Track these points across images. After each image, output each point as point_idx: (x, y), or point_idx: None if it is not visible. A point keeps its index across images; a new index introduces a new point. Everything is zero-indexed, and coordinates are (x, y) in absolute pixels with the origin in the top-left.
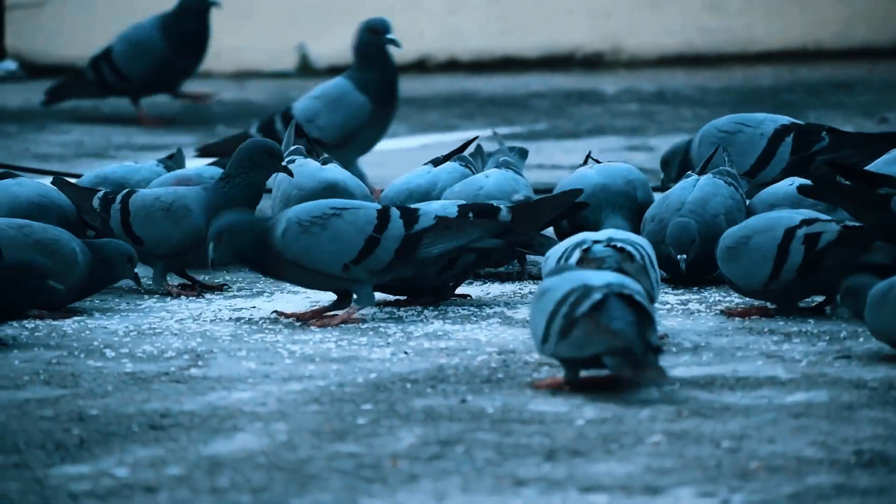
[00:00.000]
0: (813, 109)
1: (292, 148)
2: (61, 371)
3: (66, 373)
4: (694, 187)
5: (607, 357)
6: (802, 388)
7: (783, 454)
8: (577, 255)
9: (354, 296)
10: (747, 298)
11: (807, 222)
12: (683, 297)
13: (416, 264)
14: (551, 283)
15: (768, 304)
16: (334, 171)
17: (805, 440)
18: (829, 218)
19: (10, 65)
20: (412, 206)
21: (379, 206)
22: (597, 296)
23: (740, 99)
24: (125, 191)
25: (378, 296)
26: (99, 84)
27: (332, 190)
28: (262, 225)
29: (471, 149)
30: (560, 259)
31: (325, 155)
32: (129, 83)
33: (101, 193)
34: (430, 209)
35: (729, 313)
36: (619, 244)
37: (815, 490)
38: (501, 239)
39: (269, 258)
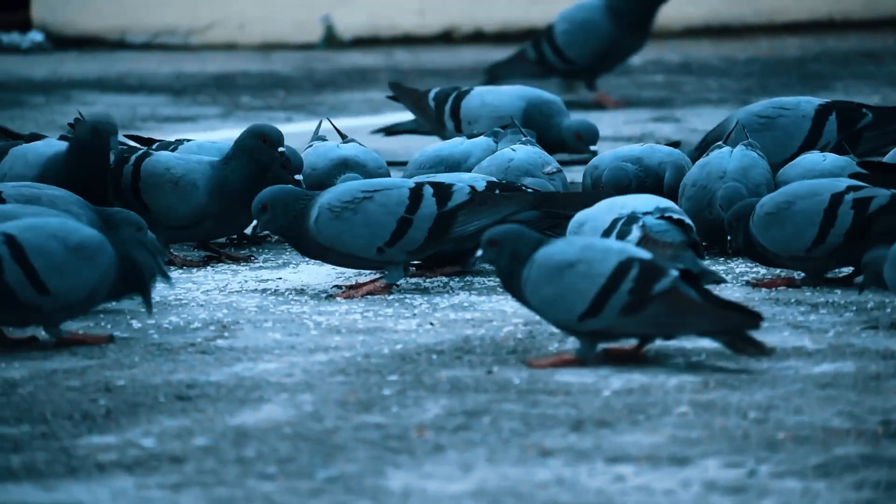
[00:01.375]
0: (840, 80)
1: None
2: None
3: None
4: (730, 157)
5: (716, 336)
6: (829, 359)
7: (810, 425)
8: (636, 233)
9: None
10: (775, 270)
11: (853, 188)
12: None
13: (452, 242)
14: (573, 253)
15: (795, 274)
16: (348, 149)
17: (832, 410)
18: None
19: (37, 36)
20: (446, 181)
21: (412, 185)
22: (674, 272)
23: (767, 70)
24: (139, 152)
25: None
26: (540, 64)
27: (343, 165)
28: (301, 204)
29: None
30: (608, 233)
31: (348, 138)
32: (572, 64)
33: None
34: (463, 183)
35: (756, 284)
36: (673, 214)
37: (843, 460)
38: (537, 211)
39: (304, 239)
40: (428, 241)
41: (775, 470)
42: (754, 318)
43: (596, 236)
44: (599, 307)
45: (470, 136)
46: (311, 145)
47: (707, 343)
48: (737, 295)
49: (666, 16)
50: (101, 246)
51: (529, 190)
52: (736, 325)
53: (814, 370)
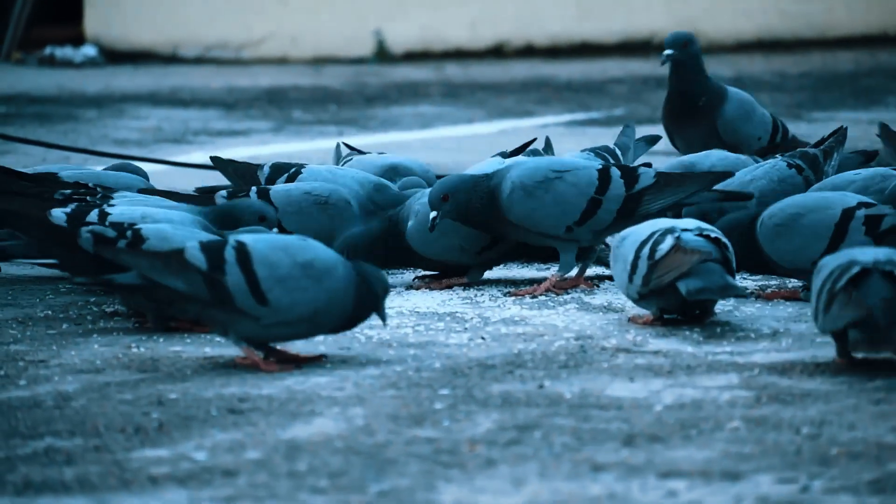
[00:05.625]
0: (893, 95)
1: (346, 152)
2: (141, 355)
3: (146, 357)
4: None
5: (851, 330)
6: (882, 374)
7: (864, 440)
8: (669, 241)
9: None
10: (774, 279)
11: (864, 205)
12: (762, 283)
13: (636, 221)
14: (827, 260)
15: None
16: (390, 156)
17: (886, 426)
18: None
19: (90, 50)
20: (630, 164)
21: (599, 166)
22: (855, 269)
23: (819, 85)
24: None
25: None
26: None
27: (392, 171)
28: (485, 184)
29: (540, 143)
30: (645, 243)
31: (383, 153)
32: None
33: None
34: (647, 170)
35: (759, 295)
36: (711, 234)
37: None
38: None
39: (492, 217)
40: (616, 221)
41: (829, 486)
42: None
43: (633, 249)
44: (816, 311)
45: (506, 156)
46: (350, 158)
47: (759, 358)
48: (790, 310)
49: (718, 31)
50: (335, 267)
51: (643, 171)
52: None
53: (867, 385)
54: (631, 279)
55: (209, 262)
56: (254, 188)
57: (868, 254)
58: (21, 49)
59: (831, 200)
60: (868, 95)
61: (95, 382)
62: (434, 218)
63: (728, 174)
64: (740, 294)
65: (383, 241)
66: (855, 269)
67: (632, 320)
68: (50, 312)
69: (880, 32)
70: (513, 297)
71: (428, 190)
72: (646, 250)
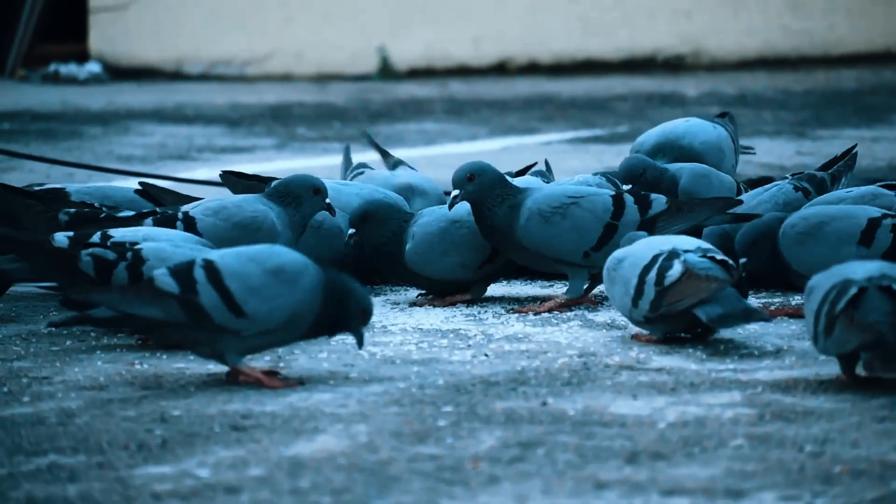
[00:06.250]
0: None
1: (355, 164)
2: (144, 372)
3: (149, 374)
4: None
5: (862, 353)
6: (886, 392)
7: (867, 458)
8: (678, 267)
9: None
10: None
11: (889, 215)
12: (765, 300)
13: None
14: (817, 280)
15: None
16: (405, 175)
17: (889, 444)
18: None
19: (95, 67)
20: (642, 191)
21: (612, 193)
22: (853, 290)
23: (823, 102)
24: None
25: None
26: None
27: (409, 190)
28: (509, 192)
29: (541, 166)
30: (650, 268)
31: (395, 158)
32: None
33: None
34: (659, 196)
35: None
36: (715, 255)
37: None
38: (725, 215)
39: (501, 231)
40: None
41: (832, 503)
42: None
43: (635, 272)
44: (816, 334)
45: (511, 176)
46: (361, 172)
47: (763, 375)
48: (793, 328)
49: (721, 48)
50: (304, 270)
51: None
52: None
53: (870, 403)
54: (636, 303)
55: (180, 285)
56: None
57: (859, 270)
58: (25, 66)
59: (854, 210)
60: (871, 113)
61: (99, 399)
62: (455, 197)
63: (738, 201)
64: (763, 318)
65: (388, 254)
66: (853, 290)
67: (635, 338)
68: (53, 329)
69: (883, 50)
70: (516, 314)
71: (426, 212)
72: (652, 275)
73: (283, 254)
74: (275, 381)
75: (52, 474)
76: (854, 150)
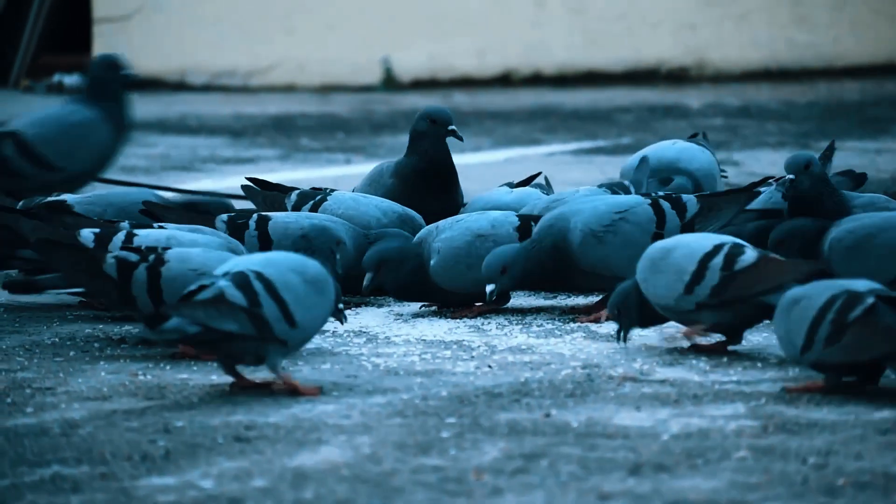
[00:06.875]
0: None
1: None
2: (147, 383)
3: (152, 384)
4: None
5: (888, 360)
6: (890, 404)
7: (871, 470)
8: (751, 253)
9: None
10: None
11: None
12: None
13: None
14: (803, 291)
15: None
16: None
17: (893, 456)
18: None
19: None
20: (673, 193)
21: (650, 201)
22: (870, 300)
23: (826, 114)
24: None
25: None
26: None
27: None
28: (542, 245)
29: (541, 179)
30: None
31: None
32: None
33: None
34: (690, 197)
35: None
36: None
37: None
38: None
39: (561, 269)
40: None
41: None
42: None
43: (694, 260)
44: (810, 343)
45: (513, 187)
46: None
47: (766, 387)
48: None
49: (725, 60)
50: (329, 278)
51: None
52: None
53: (874, 415)
54: (690, 289)
55: (247, 298)
56: (255, 216)
57: (855, 284)
58: (29, 76)
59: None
60: (874, 125)
61: (102, 410)
62: (492, 292)
63: (756, 193)
64: None
65: (410, 266)
66: (869, 300)
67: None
68: (57, 340)
69: (887, 62)
70: (519, 327)
71: (444, 225)
72: (717, 261)
73: (309, 263)
74: (309, 388)
75: (55, 485)
76: (832, 145)
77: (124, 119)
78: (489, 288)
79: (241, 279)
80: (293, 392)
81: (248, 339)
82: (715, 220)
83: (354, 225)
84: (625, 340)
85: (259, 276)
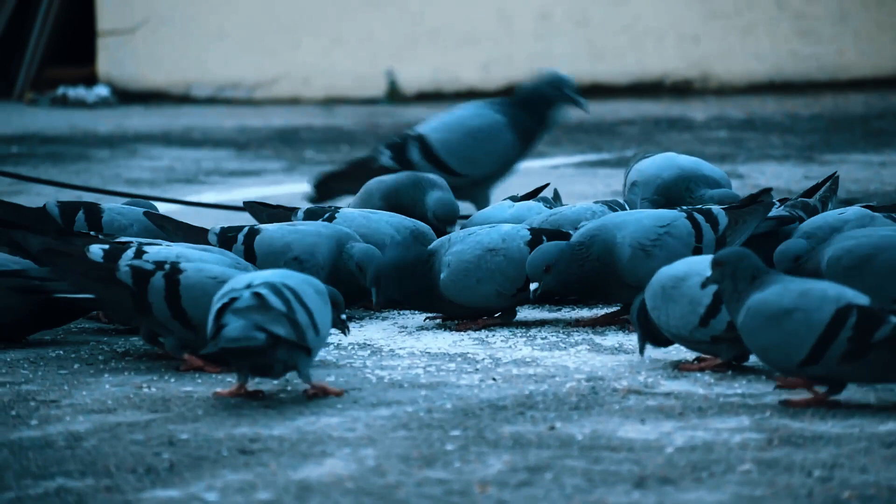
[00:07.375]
0: None
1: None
2: (152, 395)
3: (157, 397)
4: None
5: None
6: (894, 417)
7: (876, 483)
8: None
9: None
10: None
11: None
12: None
13: None
14: (790, 301)
15: None
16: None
17: None
18: None
19: (103, 90)
20: (708, 206)
21: (685, 214)
22: (894, 319)
23: (831, 126)
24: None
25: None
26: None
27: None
28: (585, 251)
29: (549, 191)
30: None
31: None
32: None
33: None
34: (717, 209)
35: None
36: None
37: None
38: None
39: (602, 281)
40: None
41: None
42: None
43: (709, 291)
44: (819, 355)
45: (516, 200)
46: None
47: (771, 400)
48: None
49: (730, 72)
50: (326, 288)
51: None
52: None
53: (879, 428)
54: (705, 322)
55: (284, 304)
56: (244, 229)
57: (858, 297)
58: (34, 89)
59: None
60: (879, 138)
61: (107, 423)
62: (535, 290)
63: (772, 203)
64: None
65: (414, 277)
66: (893, 320)
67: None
68: (61, 352)
69: (891, 75)
70: (524, 339)
71: (459, 237)
72: None
73: (310, 276)
74: (336, 389)
75: (59, 498)
76: (835, 175)
77: (532, 128)
78: (533, 286)
79: (276, 288)
80: (323, 393)
81: (283, 347)
82: (740, 233)
83: (368, 242)
84: (643, 352)
85: (285, 285)
